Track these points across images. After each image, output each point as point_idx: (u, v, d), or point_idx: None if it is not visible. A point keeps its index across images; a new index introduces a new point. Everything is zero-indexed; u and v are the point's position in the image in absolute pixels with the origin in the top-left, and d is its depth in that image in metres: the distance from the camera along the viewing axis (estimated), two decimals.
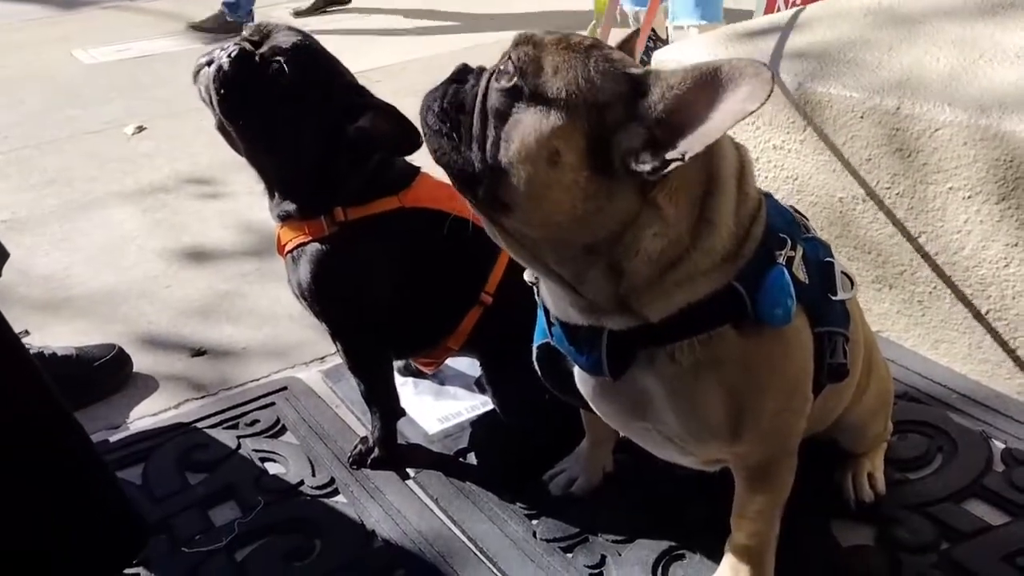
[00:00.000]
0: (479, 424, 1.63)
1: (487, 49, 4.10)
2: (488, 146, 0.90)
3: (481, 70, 0.95)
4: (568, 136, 0.86)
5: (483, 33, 4.41)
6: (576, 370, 1.10)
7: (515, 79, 0.88)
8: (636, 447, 1.50)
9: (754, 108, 0.80)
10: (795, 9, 2.08)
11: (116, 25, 5.20)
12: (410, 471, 1.53)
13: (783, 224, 1.04)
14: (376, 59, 4.06)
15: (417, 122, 1.01)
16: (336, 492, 1.50)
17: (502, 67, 0.90)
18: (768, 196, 1.05)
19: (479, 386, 1.74)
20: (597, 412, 1.14)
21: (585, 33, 2.53)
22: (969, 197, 1.54)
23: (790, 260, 1.00)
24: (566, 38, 0.91)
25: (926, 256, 1.64)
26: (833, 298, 1.07)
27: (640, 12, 3.53)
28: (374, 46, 4.32)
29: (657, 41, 3.54)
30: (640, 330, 0.98)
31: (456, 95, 0.94)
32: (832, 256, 1.11)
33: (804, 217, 1.15)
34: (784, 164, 1.83)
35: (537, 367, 1.18)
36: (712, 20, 3.27)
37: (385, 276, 1.43)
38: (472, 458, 1.56)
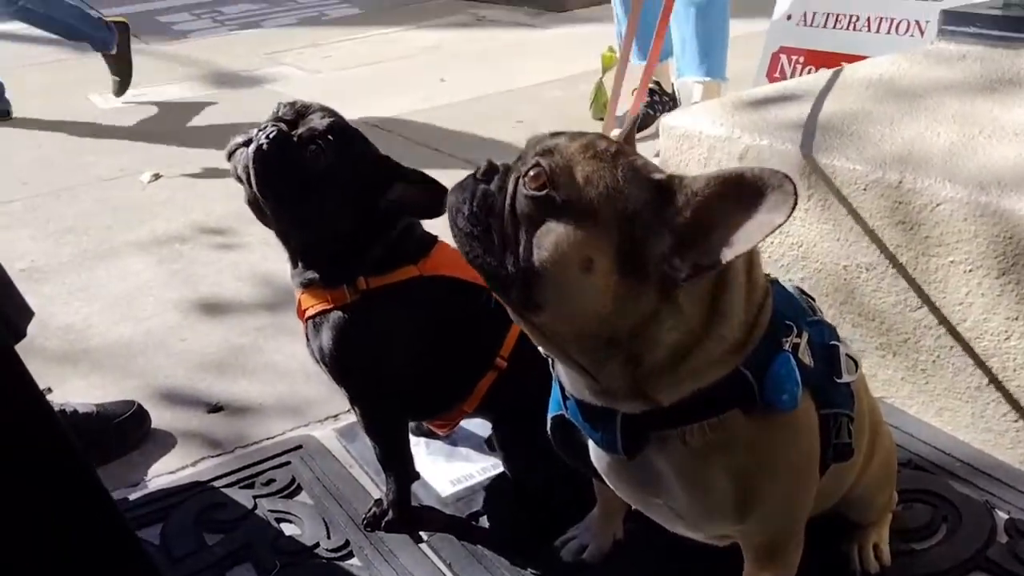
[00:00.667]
0: (491, 487, 1.66)
1: (492, 100, 4.18)
2: (520, 250, 0.93)
3: (507, 169, 0.99)
4: (600, 245, 0.91)
5: (490, 86, 4.48)
6: (591, 444, 1.14)
7: (547, 189, 0.92)
8: (647, 517, 1.53)
9: (781, 221, 0.85)
10: (798, 79, 2.14)
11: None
12: (423, 534, 1.56)
13: (789, 311, 1.08)
14: (390, 107, 4.14)
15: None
16: (351, 555, 1.52)
17: (532, 172, 0.94)
18: (775, 283, 1.10)
19: (489, 445, 1.77)
20: (610, 485, 1.17)
21: (595, 85, 2.54)
22: (970, 271, 1.58)
23: (796, 346, 1.04)
24: (592, 145, 0.95)
25: (933, 326, 1.68)
26: (838, 381, 1.11)
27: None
28: (387, 93, 4.40)
29: (664, 95, 3.61)
30: (652, 413, 1.02)
31: (485, 198, 0.97)
32: (837, 339, 1.15)
33: (811, 298, 1.20)
34: (789, 231, 1.88)
35: (551, 436, 1.22)
36: (716, 77, 3.34)
37: (405, 344, 1.47)
38: (484, 521, 1.58)
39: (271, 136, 1.35)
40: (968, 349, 1.64)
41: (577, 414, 1.10)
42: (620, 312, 0.93)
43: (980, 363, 1.62)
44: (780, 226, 0.85)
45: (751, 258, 1.02)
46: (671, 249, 0.91)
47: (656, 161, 2.60)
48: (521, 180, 0.95)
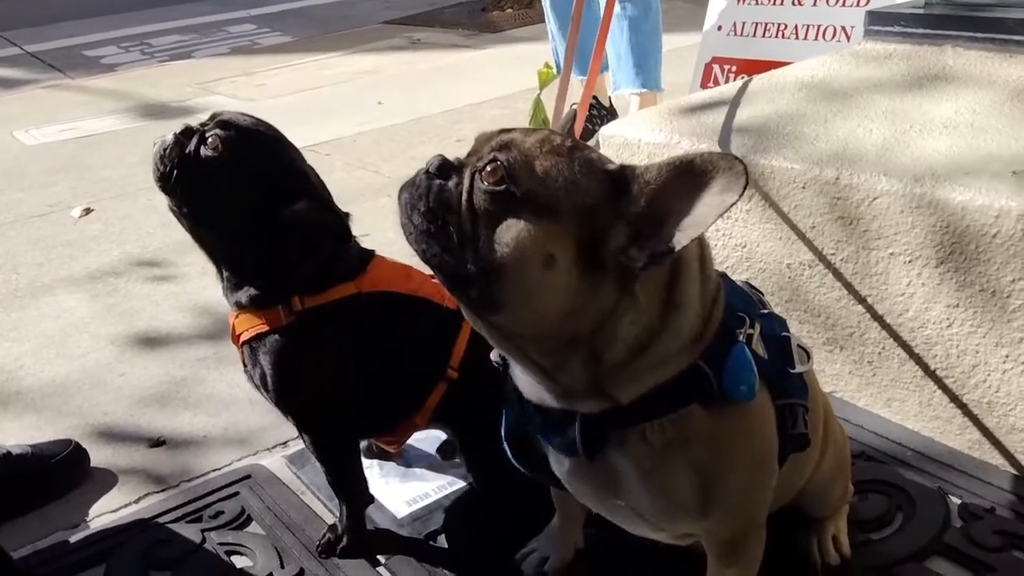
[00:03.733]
0: (448, 504, 1.63)
1: (431, 121, 4.17)
2: (480, 248, 0.91)
3: (461, 164, 0.96)
4: (561, 240, 0.89)
5: (429, 107, 4.48)
6: (549, 450, 1.11)
7: (506, 183, 0.90)
8: (607, 523, 1.51)
9: (733, 200, 0.85)
10: (733, 83, 2.17)
11: (58, 105, 5.18)
12: (380, 558, 1.51)
13: (740, 303, 1.08)
14: (327, 132, 4.10)
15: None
16: None
17: (490, 167, 0.91)
18: (724, 276, 1.10)
19: (443, 454, 1.74)
20: (571, 490, 1.15)
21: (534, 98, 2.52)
22: (910, 262, 1.61)
23: (749, 337, 1.04)
24: (548, 139, 0.94)
25: (877, 318, 1.70)
26: (792, 371, 1.11)
27: (584, 81, 3.64)
28: (324, 118, 4.36)
29: (601, 109, 3.64)
30: (612, 412, 1.00)
31: (441, 193, 0.94)
32: (788, 330, 1.15)
33: (759, 292, 1.20)
34: (732, 232, 1.90)
35: (507, 448, 1.19)
36: (652, 88, 3.38)
37: (347, 364, 1.43)
38: (443, 540, 1.55)
39: (176, 132, 1.36)
40: (911, 339, 1.66)
41: (534, 422, 1.08)
42: (581, 308, 0.92)
43: (924, 352, 1.65)
44: (733, 205, 0.85)
45: (703, 251, 1.02)
46: (628, 239, 0.90)
47: None
48: (478, 175, 0.92)
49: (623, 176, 0.91)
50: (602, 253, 0.91)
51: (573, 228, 0.90)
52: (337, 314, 1.41)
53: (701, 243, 1.02)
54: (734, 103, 2.02)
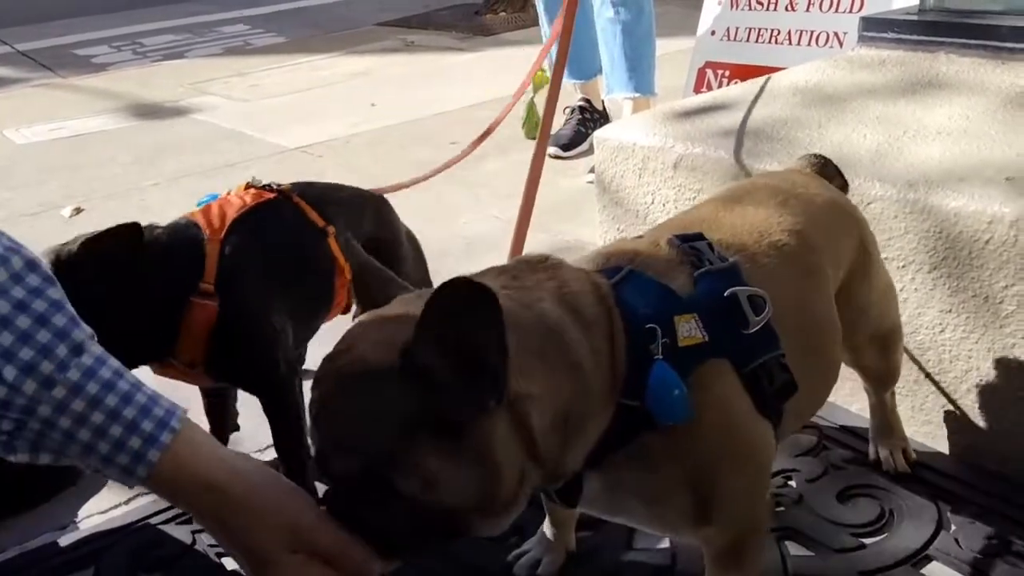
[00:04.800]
0: None
1: (425, 123, 4.17)
2: (415, 506, 0.87)
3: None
4: (421, 466, 0.86)
5: (422, 109, 4.48)
6: None
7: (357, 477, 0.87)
8: (599, 525, 1.51)
9: (488, 312, 0.82)
10: (727, 88, 2.18)
11: (48, 104, 5.15)
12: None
13: (648, 308, 0.99)
14: (320, 133, 4.10)
15: None
16: None
17: (330, 471, 0.90)
18: (627, 278, 1.02)
19: None
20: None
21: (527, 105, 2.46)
22: (903, 266, 1.62)
23: (667, 345, 0.97)
24: (341, 380, 0.89)
25: None
26: (746, 332, 1.02)
27: (579, 84, 3.65)
28: (317, 119, 4.35)
29: (594, 113, 3.65)
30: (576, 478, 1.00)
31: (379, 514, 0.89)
32: (738, 280, 1.05)
33: (697, 248, 1.08)
34: None
35: None
36: (645, 93, 3.38)
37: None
38: None
39: None
40: (904, 344, 1.66)
41: None
42: (509, 459, 0.89)
43: (917, 357, 1.65)
44: (483, 296, 0.82)
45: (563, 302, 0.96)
46: (460, 402, 0.85)
47: (591, 176, 2.62)
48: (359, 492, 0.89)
49: (411, 357, 0.85)
50: (447, 421, 0.86)
51: (403, 443, 0.85)
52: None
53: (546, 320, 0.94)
54: (728, 107, 2.03)
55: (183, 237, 1.53)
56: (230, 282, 1.50)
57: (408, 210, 1.95)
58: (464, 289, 0.82)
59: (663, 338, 0.97)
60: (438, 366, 0.84)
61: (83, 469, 0.89)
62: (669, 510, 1.03)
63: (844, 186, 1.52)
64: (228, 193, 1.68)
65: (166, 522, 1.62)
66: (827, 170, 1.48)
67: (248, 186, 1.68)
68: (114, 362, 0.88)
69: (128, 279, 1.41)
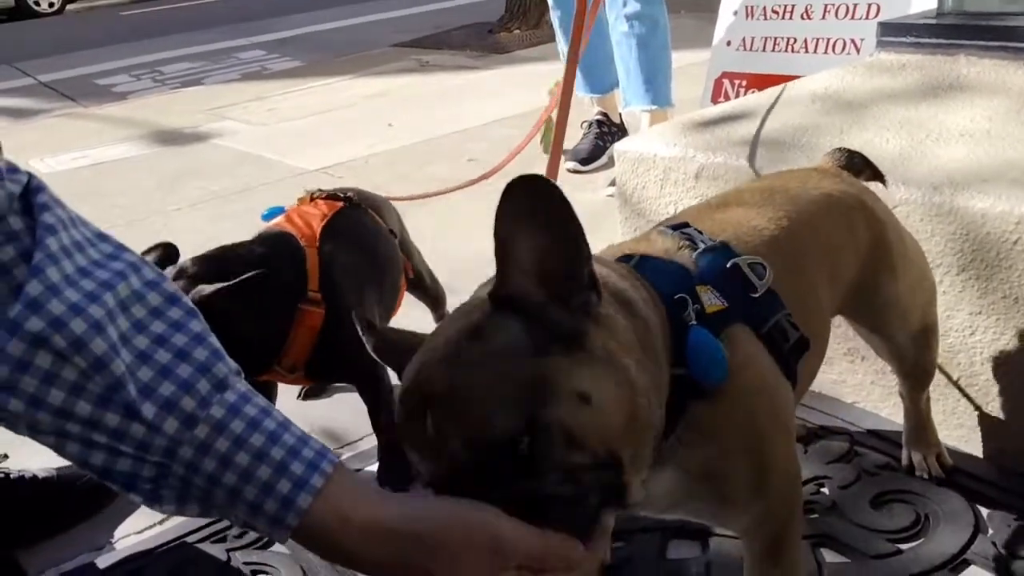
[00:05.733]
0: None
1: (441, 142, 4.20)
2: (575, 464, 0.82)
3: (463, 471, 0.82)
4: (568, 384, 0.82)
5: (439, 128, 4.51)
6: None
7: (525, 437, 0.80)
8: (631, 536, 1.51)
9: (552, 191, 0.81)
10: (746, 97, 2.18)
11: (71, 133, 5.23)
12: None
13: (670, 283, 1.03)
14: (339, 154, 4.13)
15: None
16: None
17: (493, 445, 0.80)
18: (643, 260, 1.06)
19: None
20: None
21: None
22: (931, 269, 1.61)
23: (699, 311, 1.01)
24: (453, 369, 0.83)
25: None
26: (755, 296, 1.07)
27: (596, 98, 3.66)
28: (335, 141, 4.39)
29: (612, 127, 3.66)
30: None
31: (535, 495, 0.81)
32: (733, 254, 1.10)
33: (687, 231, 1.13)
34: None
35: None
36: (663, 105, 3.39)
37: None
38: None
39: None
40: None
41: None
42: (638, 373, 0.89)
43: (947, 361, 1.64)
44: (553, 199, 0.81)
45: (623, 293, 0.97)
46: (560, 301, 0.85)
47: (611, 189, 2.63)
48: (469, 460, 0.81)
49: (498, 295, 0.85)
50: (564, 335, 0.84)
51: (545, 368, 0.82)
52: None
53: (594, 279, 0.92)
54: (748, 117, 2.03)
55: (284, 248, 1.60)
56: (333, 287, 1.58)
57: (429, 225, 1.99)
58: (528, 184, 0.80)
59: (694, 305, 1.01)
60: (529, 291, 0.84)
61: (233, 523, 0.83)
62: (728, 483, 1.04)
63: (876, 176, 1.54)
64: (299, 202, 1.79)
65: (201, 541, 1.64)
66: (853, 163, 1.49)
67: (313, 197, 1.75)
68: (261, 399, 0.81)
69: (246, 295, 1.45)
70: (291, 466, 0.78)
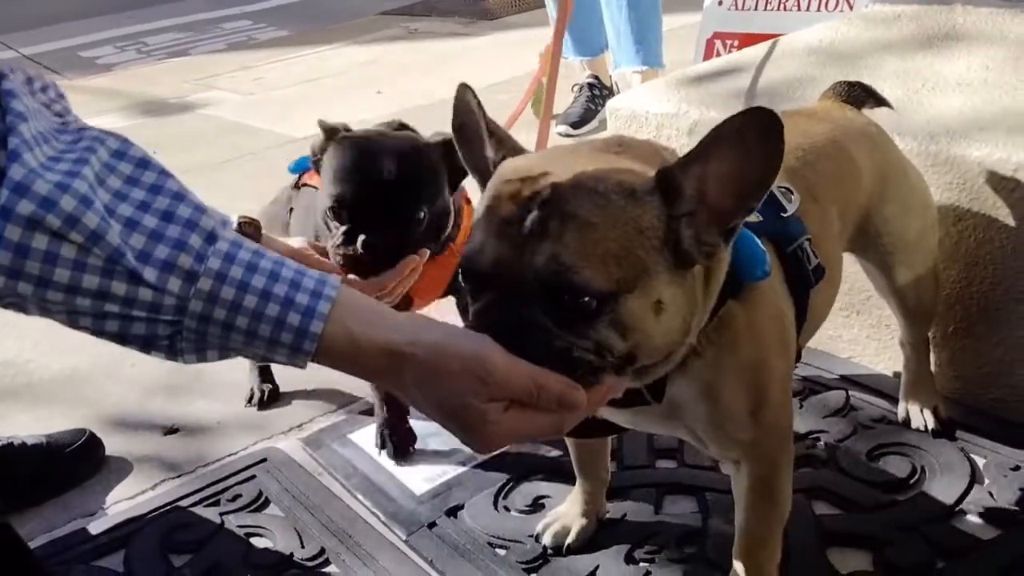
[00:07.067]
0: (466, 481, 1.62)
1: (431, 109, 4.14)
2: (609, 346, 0.87)
3: (523, 290, 0.86)
4: (657, 288, 0.88)
5: (428, 95, 4.46)
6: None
7: (598, 298, 0.85)
8: (627, 492, 1.50)
9: (779, 146, 0.83)
10: (739, 52, 2.15)
11: None
12: (401, 534, 1.50)
13: None
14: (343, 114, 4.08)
15: None
16: (327, 562, 1.46)
17: (572, 284, 0.84)
18: None
19: None
20: (631, 427, 1.16)
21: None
22: None
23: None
24: (590, 195, 0.86)
25: None
26: (785, 216, 1.13)
27: (586, 61, 3.62)
28: (324, 109, 4.34)
29: (603, 89, 3.62)
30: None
31: (550, 344, 0.86)
32: None
33: None
34: None
35: None
36: (653, 65, 3.36)
37: None
38: (463, 516, 1.54)
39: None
40: None
41: None
42: (694, 310, 0.94)
43: (944, 312, 1.63)
44: (781, 150, 0.84)
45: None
46: (697, 230, 0.89)
47: None
48: (560, 295, 0.85)
49: (668, 179, 0.88)
50: (682, 255, 0.89)
51: (660, 269, 0.88)
52: None
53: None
54: (742, 71, 2.00)
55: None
56: None
57: None
58: (745, 116, 0.83)
59: None
60: (695, 196, 0.87)
61: (254, 360, 0.86)
62: (729, 408, 1.07)
63: (880, 103, 1.54)
64: None
65: (193, 505, 1.62)
66: (854, 94, 1.50)
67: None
68: (251, 243, 0.84)
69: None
70: (296, 298, 0.82)
